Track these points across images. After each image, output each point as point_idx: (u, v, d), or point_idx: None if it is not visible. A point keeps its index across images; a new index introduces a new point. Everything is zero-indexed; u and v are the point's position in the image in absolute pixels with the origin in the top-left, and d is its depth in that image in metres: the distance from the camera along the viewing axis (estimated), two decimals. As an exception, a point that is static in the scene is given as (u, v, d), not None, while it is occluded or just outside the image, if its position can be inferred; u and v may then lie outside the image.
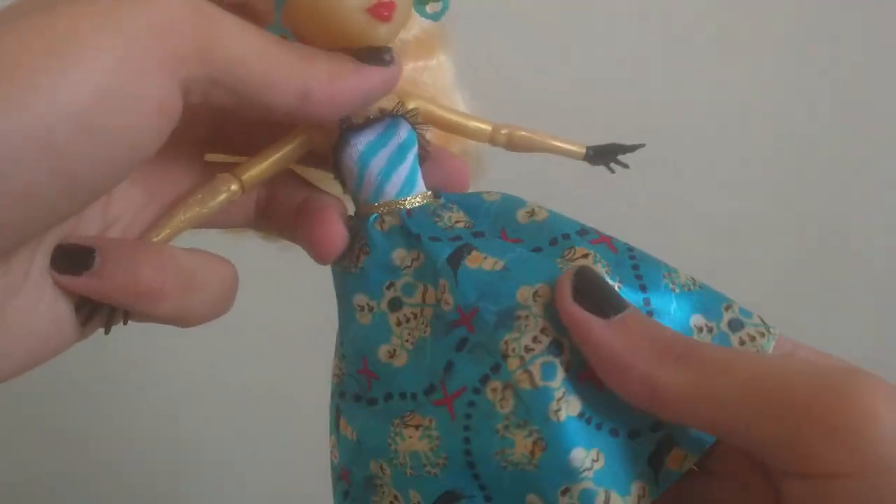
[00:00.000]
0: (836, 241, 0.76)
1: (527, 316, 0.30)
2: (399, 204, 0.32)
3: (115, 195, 0.31)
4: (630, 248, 0.32)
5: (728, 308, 0.32)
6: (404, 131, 0.32)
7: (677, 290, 0.32)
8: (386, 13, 0.29)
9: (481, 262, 0.31)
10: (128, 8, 0.25)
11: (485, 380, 0.29)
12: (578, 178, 0.60)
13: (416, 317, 0.31)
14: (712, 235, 0.74)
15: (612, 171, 0.39)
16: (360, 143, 0.32)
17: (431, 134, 0.36)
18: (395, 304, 0.32)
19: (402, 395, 0.31)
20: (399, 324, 0.32)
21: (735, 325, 0.31)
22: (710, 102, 0.71)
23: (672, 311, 0.31)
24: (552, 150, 0.37)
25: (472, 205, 0.33)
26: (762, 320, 0.32)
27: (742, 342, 0.31)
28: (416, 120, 0.33)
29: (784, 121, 0.72)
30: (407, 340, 0.31)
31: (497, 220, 0.33)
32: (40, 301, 0.28)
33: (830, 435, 0.24)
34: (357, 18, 0.29)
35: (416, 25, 0.35)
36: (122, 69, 0.24)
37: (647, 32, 0.69)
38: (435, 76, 0.36)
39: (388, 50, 0.31)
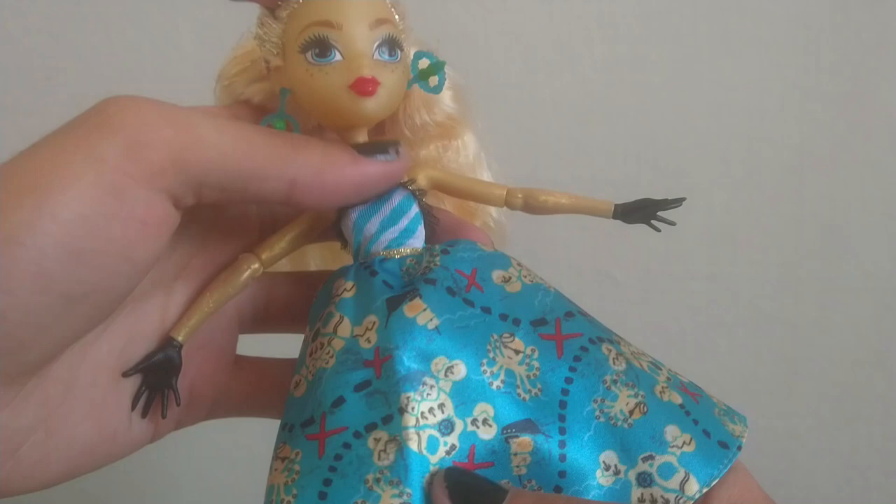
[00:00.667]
0: (837, 240, 0.72)
1: (432, 386, 0.30)
2: (382, 254, 0.33)
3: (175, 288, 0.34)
4: (578, 356, 0.31)
5: (647, 459, 0.30)
6: (398, 198, 0.34)
7: (601, 420, 0.30)
8: (369, 88, 0.30)
9: (418, 312, 0.31)
10: (101, 134, 0.27)
11: (371, 427, 0.29)
12: (575, 180, 0.58)
13: (322, 347, 0.32)
14: (712, 235, 0.72)
15: (658, 230, 0.37)
16: (354, 212, 0.34)
17: (449, 204, 0.38)
18: (315, 334, 0.32)
19: (284, 426, 0.32)
20: (311, 354, 0.32)
21: (643, 480, 0.30)
22: (710, 102, 0.69)
23: (585, 440, 0.30)
24: (576, 210, 0.37)
25: (459, 246, 0.34)
26: (682, 489, 0.29)
27: (641, 499, 0.29)
28: (411, 186, 0.34)
29: (784, 120, 0.70)
30: (310, 372, 0.32)
31: (475, 263, 0.33)
32: (96, 392, 0.31)
33: None
34: (342, 96, 0.31)
35: (440, 110, 0.37)
36: (98, 193, 0.26)
37: (647, 32, 0.68)
38: (458, 154, 0.38)
39: (395, 144, 0.32)
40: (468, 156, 0.38)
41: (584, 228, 0.64)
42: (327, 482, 0.29)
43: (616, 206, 0.36)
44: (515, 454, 0.29)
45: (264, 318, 0.38)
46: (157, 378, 0.33)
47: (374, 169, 0.32)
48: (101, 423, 0.32)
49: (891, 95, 0.70)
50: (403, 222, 0.34)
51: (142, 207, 0.28)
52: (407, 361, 0.30)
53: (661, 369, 0.33)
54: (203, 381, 0.35)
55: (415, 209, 0.34)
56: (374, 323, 0.31)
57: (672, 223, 0.37)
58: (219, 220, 0.35)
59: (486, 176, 0.39)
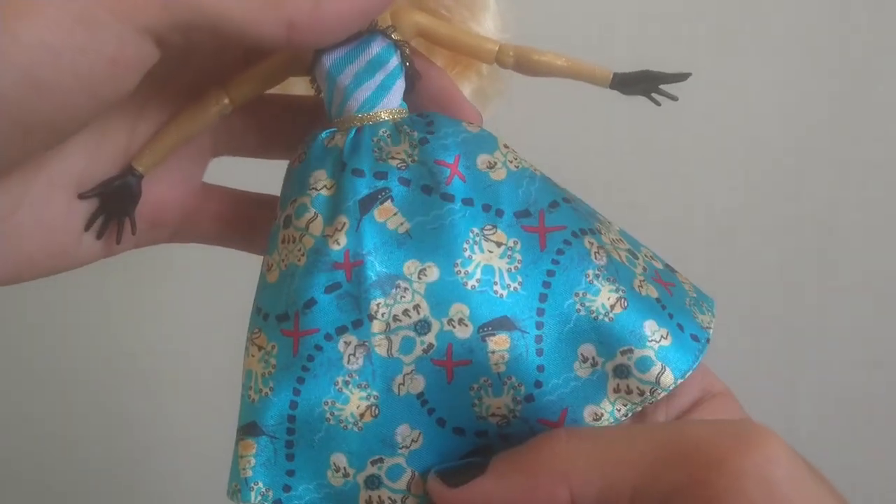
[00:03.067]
0: (837, 241, 0.73)
1: (406, 288, 0.30)
2: (356, 121, 0.32)
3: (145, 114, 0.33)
4: (561, 249, 0.30)
5: (626, 353, 0.30)
6: (377, 47, 0.32)
7: (581, 312, 0.30)
8: None
9: (389, 217, 0.30)
10: None
11: (341, 330, 0.30)
12: (570, 174, 0.57)
13: (293, 241, 0.31)
14: (711, 233, 0.72)
15: (658, 104, 0.35)
16: (329, 59, 0.32)
17: (439, 56, 0.36)
18: (286, 222, 0.32)
19: (259, 311, 0.32)
20: (283, 242, 0.31)
21: (620, 372, 0.30)
22: (709, 102, 0.67)
23: (564, 332, 0.30)
24: (570, 73, 0.34)
25: (442, 129, 0.32)
26: (658, 381, 0.30)
27: (616, 389, 0.30)
28: (392, 35, 0.32)
29: (785, 120, 0.70)
30: (282, 261, 0.31)
31: (458, 149, 0.31)
32: (44, 211, 0.31)
33: (741, 477, 0.25)
34: None
35: None
36: (68, 21, 0.25)
37: (647, 31, 0.67)
38: None
39: None
40: None
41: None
42: (300, 380, 0.30)
43: (615, 74, 0.34)
44: (493, 352, 0.29)
45: (240, 145, 0.36)
46: (115, 204, 0.33)
47: None
48: (50, 240, 0.32)
49: (891, 95, 0.68)
50: (379, 76, 0.32)
51: (114, 44, 0.26)
52: (379, 266, 0.30)
53: (637, 258, 0.33)
54: (166, 207, 0.35)
55: (395, 61, 0.32)
56: (345, 224, 0.30)
57: (674, 98, 0.34)
58: (199, 49, 0.33)
59: (487, 17, 0.36)
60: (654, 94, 0.34)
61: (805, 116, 0.71)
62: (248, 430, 0.31)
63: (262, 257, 0.34)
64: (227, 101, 0.33)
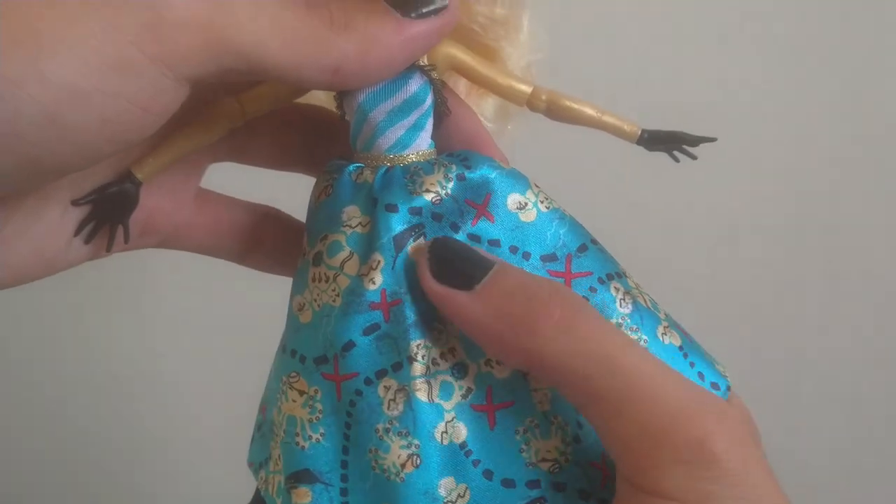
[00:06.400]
0: (838, 241, 0.73)
1: (441, 331, 0.28)
2: (386, 160, 0.30)
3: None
4: (587, 297, 0.29)
5: None
6: (415, 85, 0.30)
7: None
8: None
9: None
10: (123, 1, 0.23)
11: (381, 374, 0.28)
12: (582, 174, 0.58)
13: (326, 280, 0.30)
14: (712, 234, 0.73)
15: (677, 161, 0.35)
16: (363, 92, 0.30)
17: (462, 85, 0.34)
18: (317, 259, 0.30)
19: (293, 353, 0.30)
20: (314, 280, 0.30)
21: None
22: (711, 102, 0.68)
23: None
24: (599, 125, 0.33)
25: (477, 165, 0.31)
26: None
27: None
28: (433, 74, 0.30)
29: (786, 120, 0.70)
30: (315, 300, 0.30)
31: (490, 187, 0.30)
32: (35, 223, 0.29)
33: (679, 464, 0.24)
34: None
35: None
36: (102, 66, 0.23)
37: (650, 31, 0.66)
38: (493, 8, 0.32)
39: None
40: (504, 7, 0.33)
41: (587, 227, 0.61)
42: (348, 426, 0.29)
43: (643, 131, 0.33)
44: (535, 390, 0.28)
45: (243, 153, 0.34)
46: (109, 210, 0.31)
47: (420, 30, 0.28)
48: (41, 248, 0.30)
49: (893, 95, 0.68)
50: (414, 116, 0.30)
51: (149, 92, 0.24)
52: (417, 306, 0.28)
53: (658, 304, 0.33)
54: (159, 214, 0.33)
55: (429, 101, 0.30)
56: (380, 262, 0.29)
57: (694, 157, 0.34)
58: None
59: (521, 38, 0.34)
60: (675, 152, 0.34)
61: (807, 116, 0.70)
62: (301, 477, 0.29)
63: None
64: (239, 114, 0.31)
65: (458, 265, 0.28)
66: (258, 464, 0.33)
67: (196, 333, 0.73)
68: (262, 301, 0.36)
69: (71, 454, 0.77)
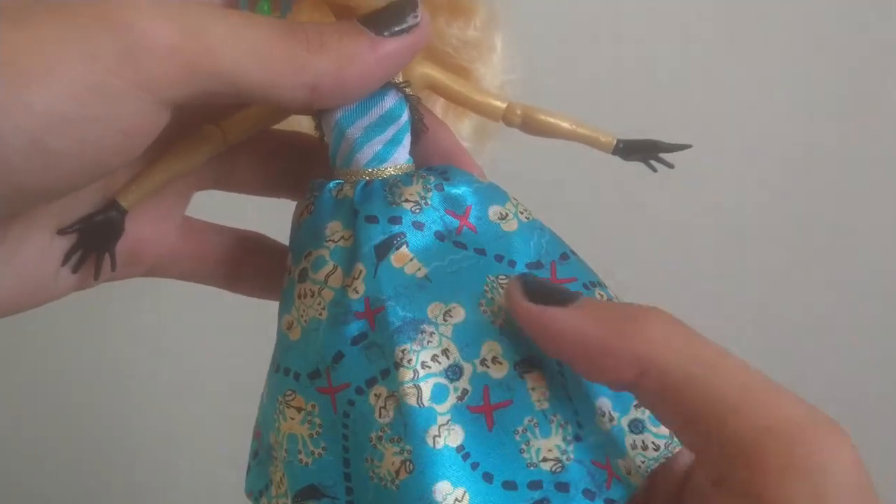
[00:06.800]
0: (843, 240, 0.73)
1: (432, 333, 0.28)
2: (365, 174, 0.31)
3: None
4: None
5: (639, 406, 0.29)
6: (390, 101, 0.31)
7: None
8: None
9: (406, 262, 0.29)
10: (101, 30, 0.24)
11: (371, 382, 0.28)
12: (581, 175, 0.58)
13: (312, 295, 0.30)
14: (715, 235, 0.72)
15: (654, 170, 0.35)
16: (339, 110, 0.30)
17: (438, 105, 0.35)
18: (302, 276, 0.30)
19: (287, 371, 0.30)
20: (300, 297, 0.30)
21: (635, 427, 0.29)
22: (713, 101, 0.68)
23: (582, 385, 0.29)
24: (574, 137, 0.34)
25: (457, 178, 0.31)
26: (669, 434, 0.29)
27: (633, 446, 0.29)
28: (407, 91, 0.31)
29: (787, 119, 0.70)
30: (302, 316, 0.30)
31: (471, 199, 0.31)
32: (21, 253, 0.29)
33: (797, 475, 0.23)
34: None
35: None
36: (84, 93, 0.24)
37: (652, 31, 0.67)
38: (466, 28, 0.33)
39: (413, 7, 0.28)
40: (476, 29, 0.33)
41: (588, 227, 0.61)
42: (345, 437, 0.28)
43: (619, 140, 0.34)
44: (533, 388, 0.28)
45: (227, 180, 0.35)
46: (95, 239, 0.31)
47: (394, 48, 0.28)
48: (27, 279, 0.30)
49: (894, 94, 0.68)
50: (390, 132, 0.31)
51: (130, 116, 0.25)
52: (402, 311, 0.28)
53: None
54: (146, 242, 0.33)
55: (405, 117, 0.31)
56: (362, 272, 0.29)
57: (671, 166, 0.34)
58: None
59: (494, 59, 0.35)
60: (651, 161, 0.35)
61: (812, 116, 0.70)
62: (307, 494, 0.29)
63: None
64: (221, 140, 0.31)
65: (549, 291, 0.28)
66: (258, 492, 0.32)
67: (194, 333, 0.73)
68: (259, 301, 0.36)
69: (69, 453, 0.76)
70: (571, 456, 0.28)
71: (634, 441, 0.29)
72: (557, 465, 0.28)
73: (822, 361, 0.77)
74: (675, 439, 0.30)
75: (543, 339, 0.27)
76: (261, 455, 0.32)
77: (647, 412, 0.29)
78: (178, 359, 0.74)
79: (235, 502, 0.36)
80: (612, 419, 0.29)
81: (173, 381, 0.75)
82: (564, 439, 0.28)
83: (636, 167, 0.34)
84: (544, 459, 0.28)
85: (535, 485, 0.27)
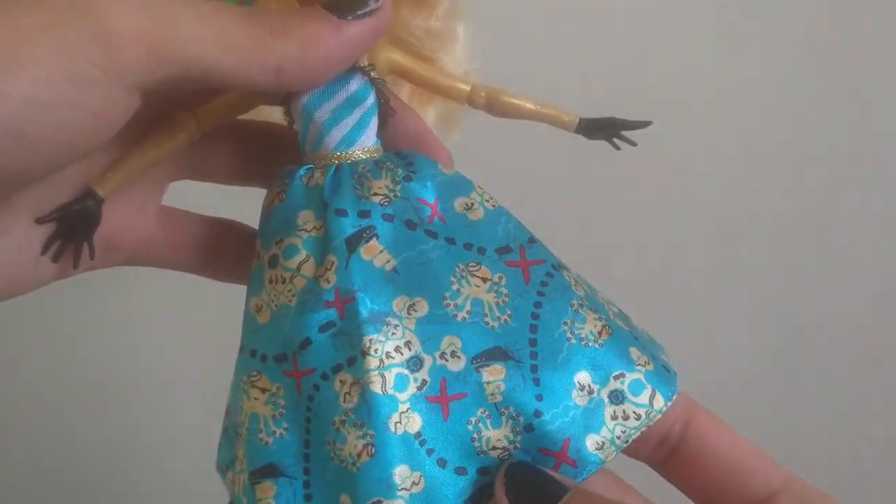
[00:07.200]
0: (837, 239, 0.74)
1: (396, 325, 0.30)
2: (334, 158, 0.32)
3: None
4: (545, 282, 0.31)
5: (618, 377, 0.30)
6: (356, 84, 0.31)
7: (573, 341, 0.30)
8: None
9: (375, 254, 0.30)
10: (71, 18, 0.25)
11: (337, 369, 0.29)
12: (573, 174, 0.59)
13: (283, 281, 0.31)
14: (711, 234, 0.73)
15: (618, 148, 0.36)
16: (306, 94, 0.31)
17: (405, 90, 0.36)
18: (273, 262, 0.31)
19: (253, 353, 0.31)
20: (271, 282, 0.31)
21: (615, 398, 0.30)
22: (709, 101, 0.69)
23: (559, 361, 0.30)
24: (538, 117, 0.35)
25: (422, 171, 0.32)
26: (651, 403, 0.30)
27: (614, 416, 0.30)
28: (372, 74, 0.32)
29: (784, 119, 0.71)
30: (272, 301, 0.31)
31: (436, 191, 0.32)
32: (5, 237, 0.30)
33: None
34: None
35: None
36: (57, 78, 0.25)
37: (647, 28, 0.67)
38: (430, 17, 0.34)
39: None
40: (438, 19, 0.35)
41: (583, 226, 0.63)
42: (308, 420, 0.30)
43: (581, 119, 0.35)
44: (488, 382, 0.30)
45: (202, 170, 0.36)
46: (73, 228, 0.32)
47: (357, 31, 0.29)
48: (7, 267, 0.31)
49: (892, 93, 0.69)
50: (357, 114, 0.32)
51: (102, 100, 0.26)
52: (370, 303, 0.29)
53: (598, 297, 0.34)
54: (122, 231, 0.34)
55: (371, 99, 0.32)
56: (334, 263, 0.30)
57: (633, 143, 0.35)
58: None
59: (456, 48, 0.36)
60: (615, 140, 0.35)
61: (805, 116, 0.71)
62: (265, 472, 0.30)
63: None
64: (195, 127, 0.32)
65: (535, 490, 0.29)
66: (225, 466, 0.33)
67: (183, 331, 0.72)
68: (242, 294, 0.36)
69: (59, 452, 0.76)
70: (518, 445, 0.30)
71: (615, 411, 0.30)
72: (504, 453, 0.30)
73: (815, 362, 0.78)
74: (655, 408, 0.31)
75: None
76: (229, 432, 0.33)
77: (627, 382, 0.30)
78: (169, 354, 0.75)
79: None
80: (591, 391, 0.30)
81: (164, 378, 0.76)
82: (513, 430, 0.30)
83: (628, 163, 0.35)
84: (493, 448, 0.30)
85: (483, 471, 0.30)
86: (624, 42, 0.67)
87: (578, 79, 0.66)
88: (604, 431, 0.30)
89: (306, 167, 0.32)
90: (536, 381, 0.30)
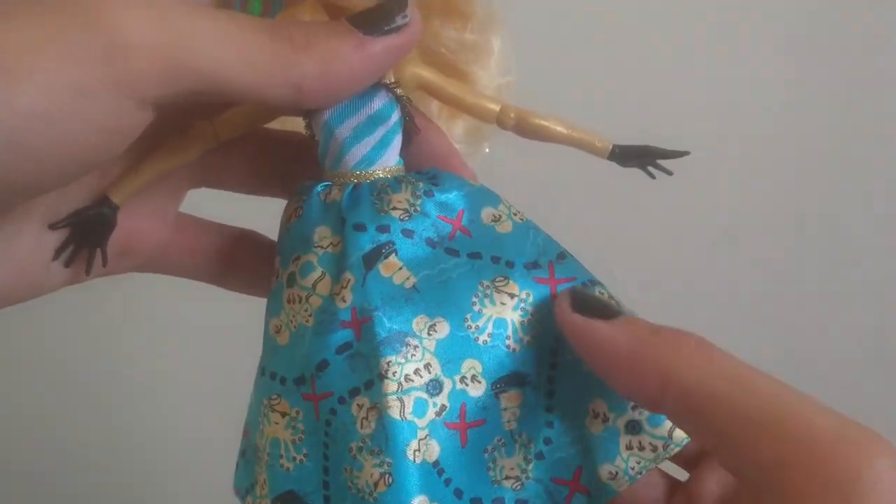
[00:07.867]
0: (838, 240, 0.73)
1: (416, 346, 0.28)
2: (353, 177, 0.31)
3: None
4: None
5: (637, 408, 0.29)
6: (379, 102, 0.30)
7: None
8: None
9: (394, 271, 0.29)
10: (83, 28, 0.24)
11: (354, 392, 0.28)
12: (579, 176, 0.57)
13: (300, 301, 0.30)
14: (713, 234, 0.72)
15: (653, 177, 0.34)
16: (328, 110, 0.30)
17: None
18: (291, 280, 0.30)
19: (273, 376, 0.31)
20: (290, 302, 0.30)
21: (632, 428, 0.29)
22: (709, 101, 0.68)
23: (575, 388, 0.29)
24: (569, 141, 0.33)
25: (446, 183, 0.31)
26: (670, 436, 0.29)
27: (629, 446, 0.29)
28: (397, 91, 0.31)
29: (784, 119, 0.70)
30: (291, 321, 0.30)
31: (463, 203, 0.31)
32: (13, 247, 0.30)
33: (834, 494, 0.22)
34: None
35: None
36: (67, 91, 0.24)
37: (647, 29, 0.66)
38: (462, 31, 0.33)
39: (402, 7, 0.28)
40: (473, 32, 0.33)
41: (584, 227, 0.61)
42: (326, 445, 0.29)
43: (615, 146, 0.33)
44: (505, 409, 0.29)
45: (220, 178, 0.35)
46: (87, 234, 0.31)
47: (381, 48, 0.28)
48: (19, 273, 0.30)
49: (892, 93, 0.68)
50: (379, 132, 0.31)
51: (112, 115, 0.25)
52: (388, 323, 0.28)
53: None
54: (137, 238, 0.33)
55: (395, 117, 0.31)
56: (350, 280, 0.29)
57: (669, 172, 0.34)
58: None
59: (491, 62, 0.35)
60: (650, 168, 0.34)
61: (806, 116, 0.70)
62: (286, 499, 0.29)
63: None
64: (212, 137, 0.31)
65: (597, 305, 0.28)
66: (244, 490, 0.33)
67: (184, 334, 0.73)
68: (251, 300, 0.36)
69: (59, 455, 0.76)
70: (530, 475, 0.29)
71: (630, 441, 0.29)
72: (517, 483, 0.29)
73: (816, 363, 0.77)
74: (674, 442, 0.29)
75: (583, 350, 0.28)
76: (248, 454, 0.32)
77: (646, 413, 0.29)
78: (171, 355, 0.75)
79: (226, 501, 0.36)
80: (606, 419, 0.29)
81: (167, 378, 0.76)
82: (525, 458, 0.29)
83: (633, 168, 0.34)
84: (507, 477, 0.29)
85: (498, 501, 0.29)
86: (624, 43, 0.67)
87: (579, 80, 0.65)
88: (618, 461, 0.29)
89: (324, 184, 0.31)
90: (550, 409, 0.29)
